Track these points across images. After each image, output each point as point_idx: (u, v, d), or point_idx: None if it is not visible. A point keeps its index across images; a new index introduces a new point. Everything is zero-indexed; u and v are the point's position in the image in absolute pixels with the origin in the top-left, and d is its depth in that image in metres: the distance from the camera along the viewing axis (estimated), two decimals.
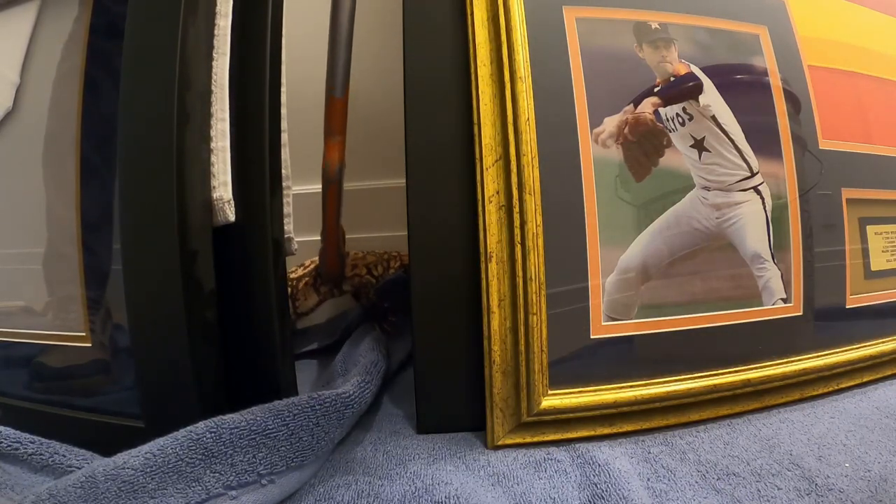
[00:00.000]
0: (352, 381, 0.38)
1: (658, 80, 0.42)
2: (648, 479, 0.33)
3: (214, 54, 0.35)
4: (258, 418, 0.32)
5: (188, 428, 0.31)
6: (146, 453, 0.29)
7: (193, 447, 0.30)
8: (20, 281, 0.40)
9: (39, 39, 0.39)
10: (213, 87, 0.35)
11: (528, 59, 0.38)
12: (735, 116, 0.43)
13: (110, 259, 0.36)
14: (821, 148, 0.46)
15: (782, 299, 0.43)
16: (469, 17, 0.39)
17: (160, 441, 0.30)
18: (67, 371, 0.38)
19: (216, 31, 0.35)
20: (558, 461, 0.35)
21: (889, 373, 0.46)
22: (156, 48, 0.33)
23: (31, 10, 0.39)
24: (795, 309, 0.43)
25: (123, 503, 0.28)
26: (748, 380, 0.40)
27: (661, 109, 0.42)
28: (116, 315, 0.36)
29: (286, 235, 0.43)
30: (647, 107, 0.41)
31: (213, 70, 0.35)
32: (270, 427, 0.32)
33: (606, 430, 0.38)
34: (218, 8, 0.35)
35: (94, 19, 0.37)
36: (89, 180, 0.37)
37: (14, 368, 0.40)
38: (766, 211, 0.43)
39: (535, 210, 0.37)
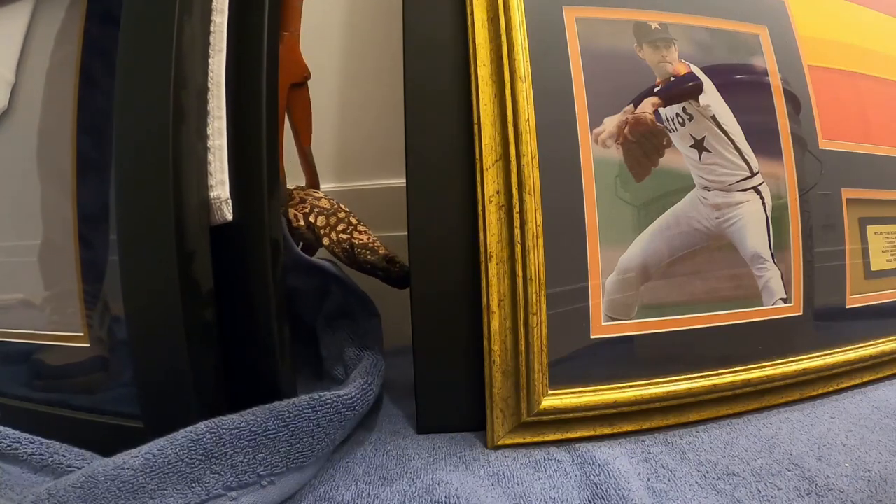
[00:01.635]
0: (355, 384, 0.38)
1: (658, 80, 0.42)
2: (648, 479, 0.33)
3: (210, 51, 0.35)
4: (258, 419, 0.32)
5: (188, 428, 0.31)
6: (146, 453, 0.29)
7: (193, 448, 0.30)
8: (18, 274, 0.40)
9: (34, 37, 0.39)
10: (209, 85, 0.35)
11: (528, 59, 0.38)
12: (735, 116, 0.43)
13: (107, 255, 0.36)
14: (821, 148, 0.46)
15: (782, 299, 0.43)
16: (469, 17, 0.39)
17: (160, 441, 0.30)
18: (65, 370, 0.38)
19: (212, 28, 0.35)
20: (558, 461, 0.35)
21: (889, 373, 0.46)
22: (151, 45, 0.33)
23: (26, 7, 0.39)
24: (795, 309, 0.43)
25: (123, 503, 0.28)
26: (748, 380, 0.40)
27: (661, 109, 0.42)
28: (114, 314, 0.36)
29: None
30: (647, 107, 0.41)
31: (210, 67, 0.35)
32: (271, 428, 0.32)
33: (606, 430, 0.38)
34: (214, 4, 0.35)
35: (89, 16, 0.36)
36: (86, 175, 0.37)
37: (12, 367, 0.39)
38: (766, 211, 0.43)
39: (535, 210, 0.37)
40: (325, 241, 0.45)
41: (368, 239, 0.45)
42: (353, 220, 0.46)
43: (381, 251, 0.45)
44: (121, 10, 0.33)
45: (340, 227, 0.46)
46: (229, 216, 0.35)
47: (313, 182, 0.53)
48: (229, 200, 0.35)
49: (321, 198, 0.48)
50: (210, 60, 0.35)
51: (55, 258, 0.38)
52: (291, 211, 0.46)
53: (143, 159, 0.33)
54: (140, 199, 0.33)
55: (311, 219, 0.45)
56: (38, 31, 0.39)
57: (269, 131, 0.37)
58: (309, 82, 0.50)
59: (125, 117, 0.33)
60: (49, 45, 0.38)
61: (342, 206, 0.47)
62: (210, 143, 0.35)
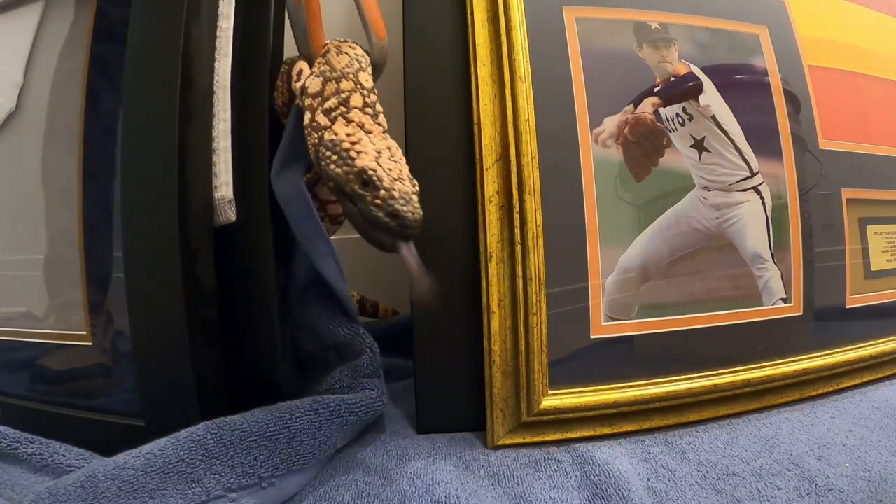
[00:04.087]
0: (361, 393, 0.37)
1: (658, 80, 0.42)
2: (648, 479, 0.33)
3: (217, 56, 0.35)
4: (260, 420, 0.32)
5: (189, 429, 0.31)
6: (147, 453, 0.29)
7: (194, 448, 0.30)
8: (21, 286, 0.40)
9: (43, 41, 0.39)
10: (215, 88, 0.35)
11: (528, 59, 0.38)
12: (735, 116, 0.43)
13: (111, 260, 0.36)
14: (821, 148, 0.46)
15: (782, 299, 0.43)
16: (469, 17, 0.39)
17: (161, 441, 0.30)
18: (69, 373, 0.38)
19: (218, 33, 0.36)
20: (558, 461, 0.35)
21: (889, 373, 0.46)
22: (158, 50, 0.33)
23: (35, 11, 0.39)
24: (795, 309, 0.43)
25: (123, 503, 0.28)
26: (748, 380, 0.40)
27: (661, 109, 0.42)
28: (118, 315, 0.36)
29: None
30: (647, 107, 0.41)
31: (216, 71, 0.35)
32: (272, 429, 0.32)
33: (606, 430, 0.38)
34: (220, 10, 0.35)
35: (97, 22, 0.37)
36: (92, 180, 0.37)
37: (14, 371, 0.39)
38: (766, 211, 0.43)
39: (535, 210, 0.37)
40: (306, 118, 0.29)
41: (350, 137, 0.26)
42: (356, 101, 0.28)
43: (361, 162, 0.25)
44: (129, 14, 0.34)
45: (330, 102, 0.28)
46: (233, 217, 0.36)
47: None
48: (233, 201, 0.36)
49: (348, 54, 0.30)
50: (216, 64, 0.35)
51: (59, 264, 0.38)
52: (299, 65, 0.31)
53: (149, 159, 0.33)
54: (146, 199, 0.33)
55: (307, 82, 0.30)
56: (47, 34, 0.39)
57: (274, 134, 0.37)
58: None
59: (133, 118, 0.34)
60: (57, 48, 0.38)
61: (362, 77, 0.29)
62: (215, 144, 0.35)
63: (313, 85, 0.29)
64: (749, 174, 0.43)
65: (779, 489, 0.32)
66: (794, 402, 0.42)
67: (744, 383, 0.40)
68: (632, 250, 0.40)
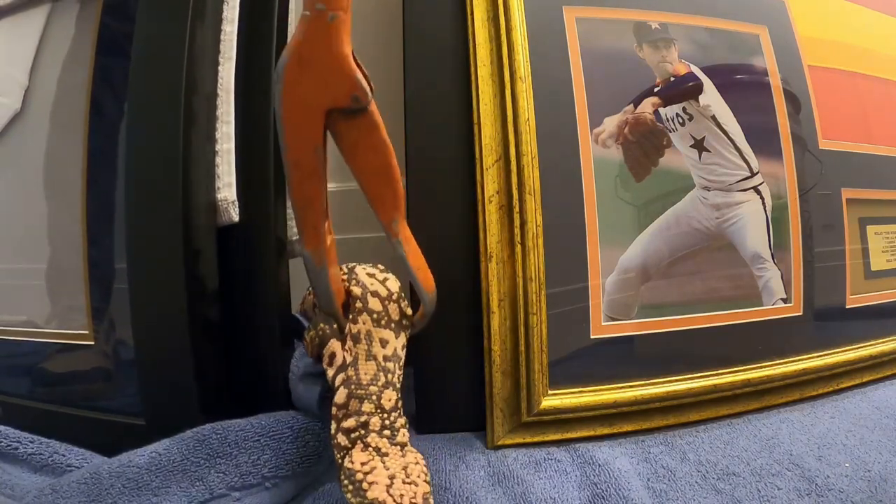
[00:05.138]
0: None
1: (658, 80, 0.42)
2: (648, 479, 0.34)
3: (220, 59, 0.36)
4: (263, 420, 0.32)
5: (194, 429, 0.31)
6: (151, 452, 0.30)
7: (199, 447, 0.30)
8: (23, 291, 0.40)
9: (48, 44, 0.39)
10: (219, 91, 0.36)
11: (528, 59, 0.39)
12: (735, 116, 0.43)
13: (114, 262, 0.36)
14: (821, 148, 0.46)
15: (782, 299, 0.43)
16: (469, 16, 0.39)
17: (165, 441, 0.31)
18: (71, 375, 0.38)
19: (222, 37, 0.36)
20: (558, 461, 0.35)
21: (889, 373, 0.46)
22: (163, 53, 0.33)
23: (41, 13, 0.39)
24: (795, 309, 0.43)
25: (127, 501, 0.28)
26: (748, 380, 0.40)
27: (661, 109, 0.42)
28: (120, 316, 0.36)
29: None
30: (647, 107, 0.41)
31: (220, 74, 0.36)
32: (275, 429, 0.32)
33: (606, 430, 0.38)
34: (224, 14, 0.36)
35: (103, 25, 0.37)
36: (96, 181, 0.37)
37: (16, 373, 0.40)
38: (766, 211, 0.43)
39: (535, 210, 0.37)
40: (332, 426, 0.29)
41: (364, 467, 0.27)
42: (374, 424, 0.28)
43: (372, 495, 0.26)
44: (134, 18, 0.34)
45: (349, 423, 0.28)
46: (235, 218, 0.36)
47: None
48: (236, 202, 0.36)
49: (377, 358, 0.30)
50: (220, 67, 0.36)
51: (62, 267, 0.38)
52: (332, 347, 0.30)
53: (153, 160, 0.33)
54: (149, 199, 0.34)
55: (337, 381, 0.29)
56: (52, 37, 0.39)
57: (276, 136, 0.37)
58: None
59: (137, 120, 0.34)
60: (62, 51, 0.38)
61: (384, 399, 0.29)
62: (218, 146, 0.36)
63: (340, 396, 0.29)
64: (749, 174, 0.43)
65: (779, 489, 0.32)
66: (794, 402, 0.42)
67: (744, 383, 0.40)
68: (632, 250, 0.40)
